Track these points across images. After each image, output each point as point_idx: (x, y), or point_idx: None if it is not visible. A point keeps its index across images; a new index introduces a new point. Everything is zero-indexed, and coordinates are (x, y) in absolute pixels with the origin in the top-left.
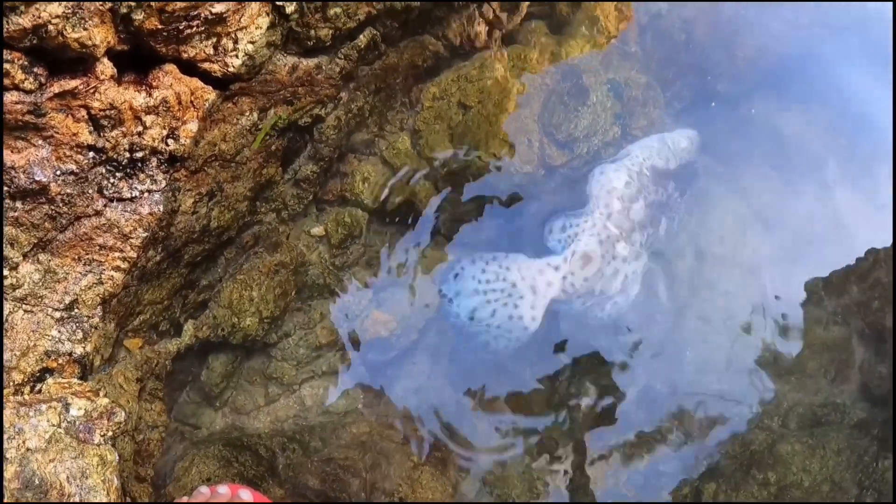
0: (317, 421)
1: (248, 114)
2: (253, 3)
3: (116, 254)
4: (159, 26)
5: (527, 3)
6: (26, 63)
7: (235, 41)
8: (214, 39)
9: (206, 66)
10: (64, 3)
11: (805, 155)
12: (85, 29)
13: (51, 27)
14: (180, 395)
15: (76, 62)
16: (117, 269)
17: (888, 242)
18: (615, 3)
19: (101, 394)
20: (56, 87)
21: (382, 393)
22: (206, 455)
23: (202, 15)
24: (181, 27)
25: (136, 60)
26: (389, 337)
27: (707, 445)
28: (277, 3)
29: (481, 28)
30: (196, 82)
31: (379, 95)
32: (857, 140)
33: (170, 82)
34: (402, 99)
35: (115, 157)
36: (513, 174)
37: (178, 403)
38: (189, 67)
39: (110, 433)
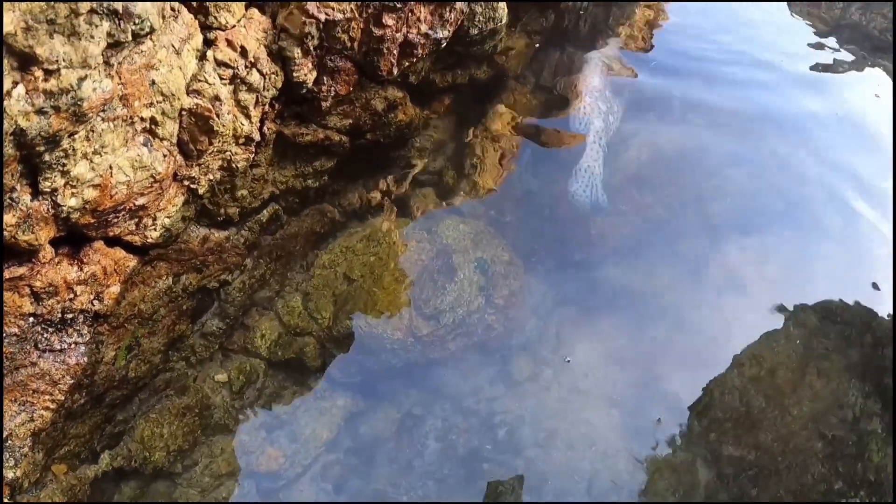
0: None
1: (164, 277)
2: (171, 188)
3: (47, 396)
4: (92, 221)
5: (415, 172)
6: None
7: (154, 218)
8: (137, 220)
9: (128, 238)
10: (16, 213)
11: (652, 302)
12: (32, 232)
13: (5, 233)
14: None
15: (23, 252)
16: (47, 408)
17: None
18: (493, 176)
19: None
20: (7, 274)
21: None
22: None
23: (127, 208)
24: (109, 219)
25: (71, 238)
26: (279, 469)
27: None
28: (191, 186)
29: (375, 195)
30: (120, 252)
31: (280, 261)
32: (691, 290)
33: (98, 258)
34: (300, 262)
35: (49, 318)
36: (384, 340)
37: None
38: (114, 240)
39: None
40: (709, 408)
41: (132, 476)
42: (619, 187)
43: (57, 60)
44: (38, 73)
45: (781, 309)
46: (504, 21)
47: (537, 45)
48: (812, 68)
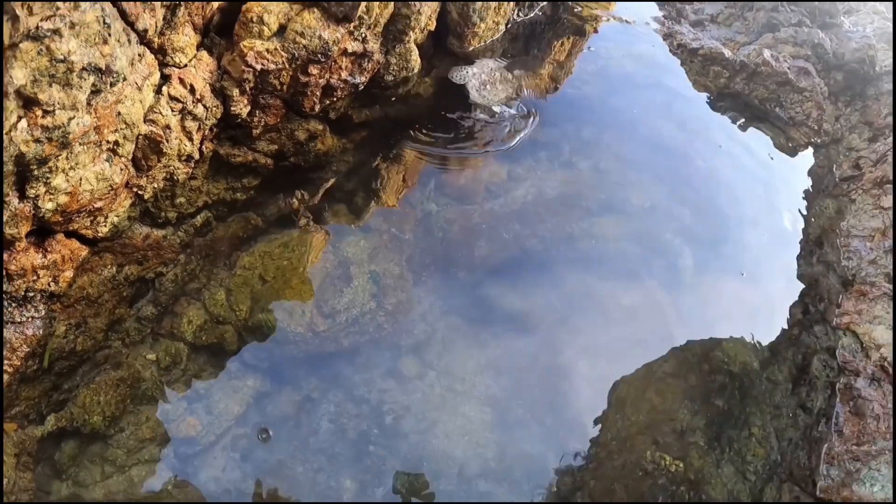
0: (141, 494)
1: (109, 267)
2: (122, 194)
3: (6, 361)
4: (59, 219)
5: (327, 189)
6: None
7: (106, 217)
8: (92, 218)
9: (83, 231)
10: (7, 213)
11: (527, 321)
12: (17, 227)
13: None
14: (35, 468)
15: (6, 242)
16: (5, 372)
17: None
18: (396, 198)
19: None
20: None
21: (189, 478)
22: None
23: (88, 209)
24: (72, 217)
25: (38, 231)
26: (196, 436)
27: None
28: (139, 192)
29: (293, 209)
30: (75, 243)
31: (208, 258)
32: (559, 312)
33: (59, 248)
34: (224, 260)
35: (15, 295)
36: (289, 333)
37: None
38: (71, 233)
39: None
40: (563, 411)
41: (71, 437)
42: (504, 218)
43: (54, 104)
44: (39, 112)
45: (634, 335)
46: (416, 70)
47: (444, 91)
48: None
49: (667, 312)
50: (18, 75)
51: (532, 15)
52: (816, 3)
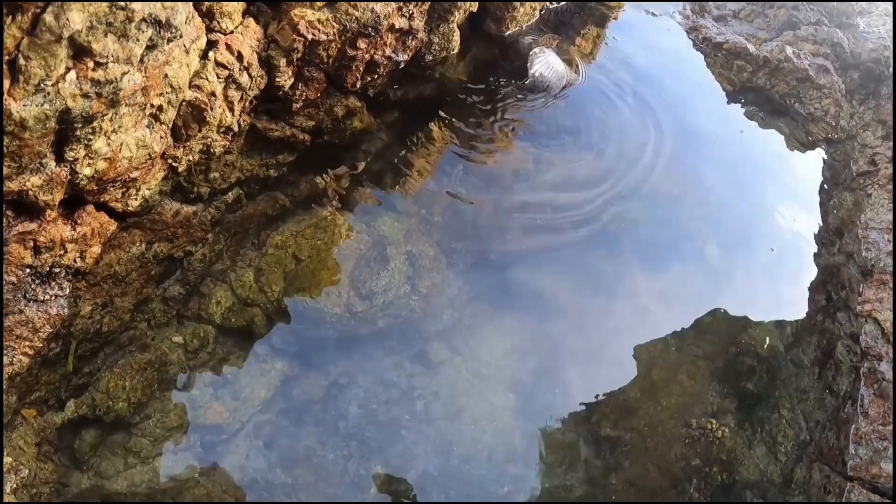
0: (166, 486)
1: (138, 244)
2: (157, 165)
3: (27, 343)
4: (94, 188)
5: (360, 166)
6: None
7: (138, 189)
8: (125, 189)
9: (113, 204)
10: (42, 176)
11: (554, 305)
12: (51, 193)
13: (30, 192)
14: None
15: (33, 208)
16: (26, 354)
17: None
18: (426, 180)
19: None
20: (20, 228)
21: (215, 466)
22: None
23: (124, 178)
24: (106, 187)
25: (68, 201)
26: (222, 423)
27: None
28: (173, 164)
29: (323, 188)
30: (104, 216)
31: (235, 237)
32: (589, 297)
33: (89, 221)
34: (252, 240)
35: (40, 271)
36: (325, 314)
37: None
38: (101, 206)
39: (15, 486)
40: (592, 397)
41: (92, 425)
42: (532, 203)
43: (108, 56)
44: (90, 64)
45: (663, 319)
46: (456, 51)
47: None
48: None
49: (694, 297)
50: (76, 19)
51: (563, 3)
52: (834, 3)
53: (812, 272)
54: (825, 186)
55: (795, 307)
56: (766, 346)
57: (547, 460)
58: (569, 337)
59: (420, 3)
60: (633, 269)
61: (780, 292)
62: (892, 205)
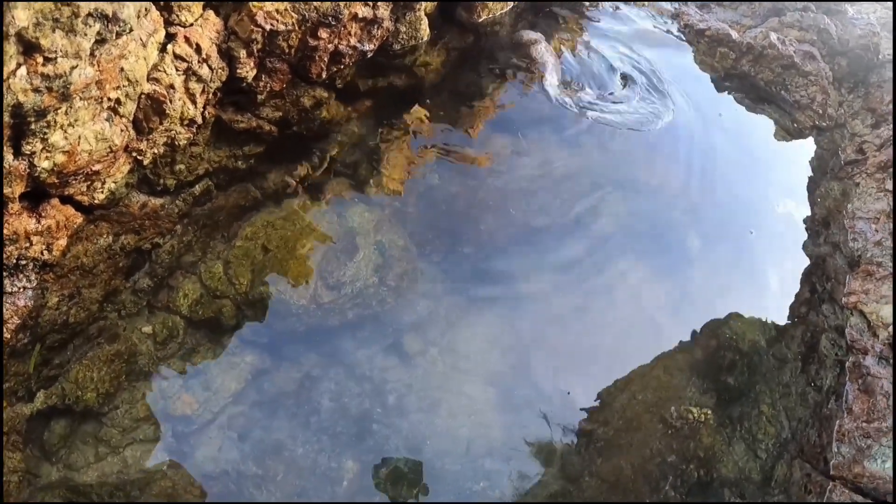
0: (135, 476)
1: (105, 236)
2: (121, 158)
3: None
4: (55, 181)
5: (331, 157)
6: None
7: (103, 182)
8: (89, 182)
9: (79, 197)
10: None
11: (530, 301)
12: (10, 187)
13: None
14: (24, 449)
15: None
16: None
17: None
18: (400, 170)
19: None
20: None
21: (185, 458)
22: (53, 496)
23: (85, 172)
24: (69, 180)
25: (32, 194)
26: (192, 414)
27: None
28: (138, 157)
29: (294, 179)
30: (70, 209)
31: (205, 230)
32: (566, 290)
33: (53, 213)
34: (223, 232)
35: (6, 263)
36: (291, 305)
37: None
38: (66, 199)
39: None
40: (568, 390)
41: (62, 415)
42: (509, 194)
43: (56, 51)
44: (39, 59)
45: (641, 312)
46: (425, 39)
47: (453, 62)
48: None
49: (674, 289)
50: (21, 16)
51: None
52: None
53: (797, 263)
54: (813, 175)
55: (779, 299)
56: (747, 340)
57: (522, 454)
58: (544, 331)
59: None
60: (612, 260)
61: (763, 284)
62: (880, 194)
